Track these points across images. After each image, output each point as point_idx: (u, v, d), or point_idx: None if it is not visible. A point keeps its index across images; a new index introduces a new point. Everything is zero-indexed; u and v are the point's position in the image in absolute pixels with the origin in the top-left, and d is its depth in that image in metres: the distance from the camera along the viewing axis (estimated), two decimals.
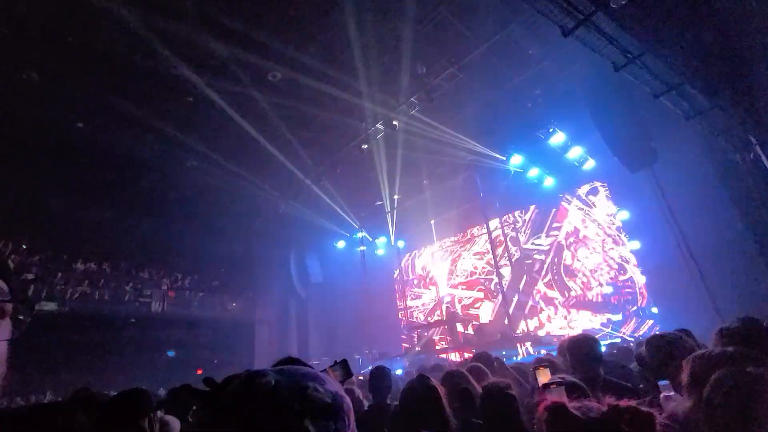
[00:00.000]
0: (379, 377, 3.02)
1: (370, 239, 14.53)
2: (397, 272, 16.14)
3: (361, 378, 5.85)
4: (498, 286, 11.09)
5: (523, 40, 7.94)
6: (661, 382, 1.64)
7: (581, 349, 2.47)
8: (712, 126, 6.38)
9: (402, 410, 1.81)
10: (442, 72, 8.56)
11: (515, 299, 11.15)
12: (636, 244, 9.20)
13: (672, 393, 1.59)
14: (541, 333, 10.52)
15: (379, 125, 9.96)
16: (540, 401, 1.03)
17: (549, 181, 10.83)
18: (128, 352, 13.03)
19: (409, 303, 15.74)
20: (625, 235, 9.88)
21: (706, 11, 5.67)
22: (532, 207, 12.43)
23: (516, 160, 10.27)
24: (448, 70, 8.49)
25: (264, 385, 0.52)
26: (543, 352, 7.93)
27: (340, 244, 14.44)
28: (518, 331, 10.82)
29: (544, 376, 2.02)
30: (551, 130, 9.43)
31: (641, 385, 2.63)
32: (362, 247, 14.01)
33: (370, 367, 10.33)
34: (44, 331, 11.70)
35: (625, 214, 9.53)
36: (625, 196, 9.49)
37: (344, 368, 1.77)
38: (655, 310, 8.68)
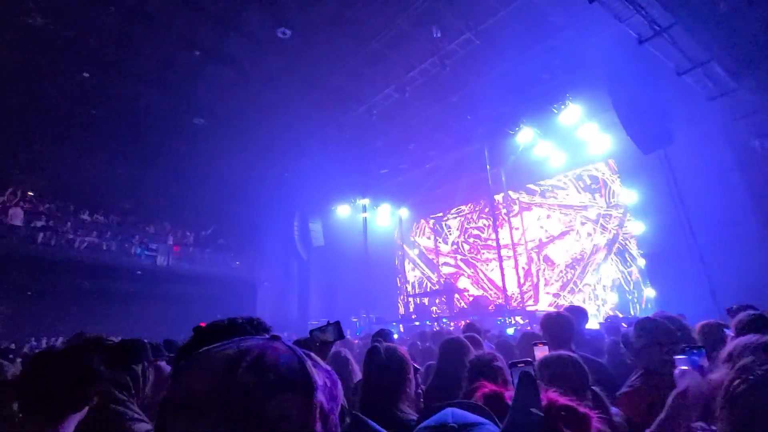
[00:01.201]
0: (384, 339, 3.05)
1: (374, 207, 14.54)
2: (398, 240, 16.27)
3: (357, 342, 6.01)
4: (497, 260, 11.16)
5: (545, 5, 7.51)
6: (677, 357, 1.62)
7: (553, 325, 2.55)
8: (734, 109, 6.13)
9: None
10: (458, 37, 8.18)
11: (513, 273, 11.24)
12: (641, 227, 9.12)
13: (687, 367, 1.54)
14: (537, 307, 10.69)
15: (390, 90, 9.68)
16: (478, 388, 1.00)
17: (558, 157, 10.61)
18: (135, 302, 13.49)
19: (408, 271, 15.97)
20: (630, 217, 9.80)
21: None
22: (539, 182, 12.29)
23: (526, 133, 9.99)
24: (465, 35, 8.11)
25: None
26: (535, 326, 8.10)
27: (344, 210, 14.47)
28: (513, 304, 11.00)
29: (541, 353, 2.06)
30: (566, 104, 9.10)
31: (629, 361, 2.68)
32: (365, 214, 14.04)
33: (365, 331, 10.63)
34: (54, 278, 12.12)
35: (633, 196, 9.38)
36: (635, 177, 9.30)
37: (336, 330, 1.81)
38: (651, 292, 8.73)
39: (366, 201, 14.08)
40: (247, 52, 8.87)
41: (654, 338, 1.94)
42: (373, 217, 14.71)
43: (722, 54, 5.67)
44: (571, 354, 1.81)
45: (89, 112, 10.66)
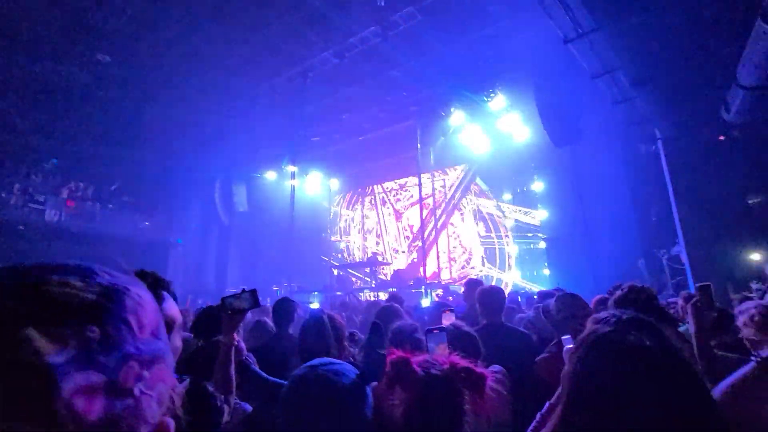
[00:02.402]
0: (281, 308, 3.08)
1: (303, 175, 14.14)
2: (325, 211, 16.14)
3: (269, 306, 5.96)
4: (419, 236, 11.69)
5: None
6: (564, 338, 1.79)
7: (487, 299, 2.77)
8: (630, 115, 6.97)
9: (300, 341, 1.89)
10: (402, 9, 8.06)
11: (432, 249, 11.89)
12: (545, 213, 10.14)
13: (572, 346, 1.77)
14: (451, 282, 11.50)
15: (328, 54, 9.29)
16: (388, 354, 1.07)
17: (482, 143, 11.23)
18: (16, 262, 11.67)
19: (335, 242, 16.02)
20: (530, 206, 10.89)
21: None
22: (463, 166, 12.97)
23: (457, 117, 10.37)
24: (408, 9, 8.02)
25: None
26: (450, 298, 8.73)
27: (270, 176, 13.85)
28: (432, 278, 11.69)
29: (447, 319, 2.23)
30: (495, 93, 9.58)
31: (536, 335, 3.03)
32: (293, 181, 13.63)
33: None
34: None
35: (541, 185, 10.33)
36: (546, 168, 10.21)
37: (252, 297, 1.76)
38: (546, 272, 9.88)
39: (295, 168, 13.62)
40: None
41: (572, 311, 2.19)
42: (302, 186, 14.33)
43: (629, 64, 6.36)
44: (469, 331, 1.99)
45: None
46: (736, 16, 5.01)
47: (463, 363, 1.08)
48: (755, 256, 5.78)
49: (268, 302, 9.02)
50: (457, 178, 13.12)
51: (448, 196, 13.17)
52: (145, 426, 0.37)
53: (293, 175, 13.63)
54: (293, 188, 13.58)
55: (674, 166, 6.67)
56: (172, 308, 1.17)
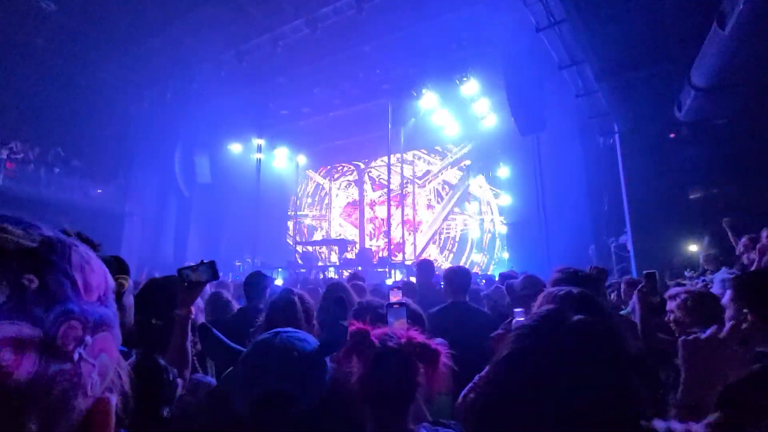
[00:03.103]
0: (254, 281, 3.03)
1: (270, 148, 13.73)
2: (292, 186, 15.84)
3: (231, 282, 5.88)
4: (386, 215, 11.78)
5: None
6: (517, 311, 1.87)
7: (455, 279, 2.84)
8: (591, 108, 7.24)
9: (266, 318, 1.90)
10: None
11: (399, 229, 12.05)
12: (508, 199, 10.47)
13: (523, 319, 1.87)
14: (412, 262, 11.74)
15: (300, 22, 8.91)
16: (349, 326, 1.11)
17: (452, 127, 11.32)
18: None
19: (301, 219, 15.83)
20: (501, 191, 11.19)
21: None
22: (436, 148, 13.06)
23: (428, 98, 10.36)
24: None
25: None
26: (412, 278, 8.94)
27: (236, 148, 13.34)
28: (397, 257, 11.89)
29: (394, 297, 2.29)
30: (467, 77, 9.61)
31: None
32: (259, 155, 13.22)
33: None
34: None
35: (506, 172, 10.61)
36: (512, 155, 10.49)
37: (210, 269, 1.72)
38: (506, 255, 10.31)
39: (262, 141, 13.19)
40: None
41: (536, 290, 2.31)
42: (269, 160, 13.94)
43: (593, 58, 6.56)
44: (415, 309, 2.05)
45: None
46: (694, 19, 5.27)
47: (420, 338, 1.13)
48: (692, 247, 6.30)
49: (229, 278, 8.86)
50: (454, 156, 12.84)
51: (454, 183, 12.92)
52: (83, 398, 0.33)
53: (260, 148, 13.21)
54: (259, 161, 13.19)
55: (627, 159, 7.06)
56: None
